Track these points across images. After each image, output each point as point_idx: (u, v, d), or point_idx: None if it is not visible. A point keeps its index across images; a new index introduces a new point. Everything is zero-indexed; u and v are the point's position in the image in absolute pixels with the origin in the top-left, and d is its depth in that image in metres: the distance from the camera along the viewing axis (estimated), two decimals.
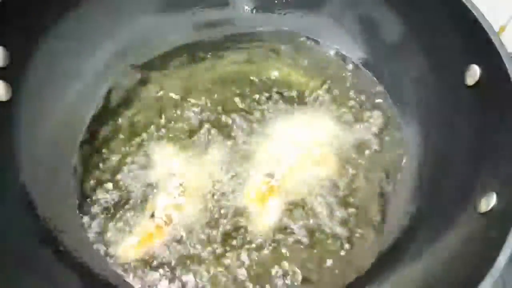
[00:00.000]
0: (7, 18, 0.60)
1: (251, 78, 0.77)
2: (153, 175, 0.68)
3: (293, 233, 0.64)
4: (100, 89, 0.74)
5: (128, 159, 0.69)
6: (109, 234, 0.64)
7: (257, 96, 0.74)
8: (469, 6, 0.60)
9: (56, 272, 0.58)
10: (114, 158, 0.69)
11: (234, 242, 0.63)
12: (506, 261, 0.46)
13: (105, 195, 0.66)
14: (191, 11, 0.81)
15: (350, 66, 0.79)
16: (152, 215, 0.64)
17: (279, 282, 0.61)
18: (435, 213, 0.61)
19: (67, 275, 0.59)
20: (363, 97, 0.75)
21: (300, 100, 0.75)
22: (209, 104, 0.74)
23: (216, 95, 0.75)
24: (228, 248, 0.63)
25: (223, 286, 0.61)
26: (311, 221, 0.64)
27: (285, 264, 0.62)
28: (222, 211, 0.65)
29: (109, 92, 0.75)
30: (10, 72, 0.61)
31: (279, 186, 0.66)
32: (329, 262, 0.62)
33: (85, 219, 0.65)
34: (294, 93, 0.75)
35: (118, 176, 0.67)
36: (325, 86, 0.76)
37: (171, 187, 0.66)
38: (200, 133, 0.71)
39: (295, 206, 0.65)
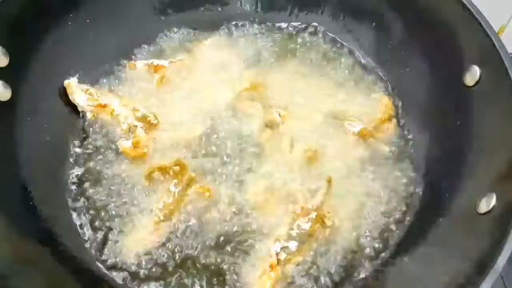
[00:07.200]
0: (7, 18, 0.60)
1: None
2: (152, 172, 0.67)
3: None
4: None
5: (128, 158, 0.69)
6: (107, 235, 0.63)
7: None
8: (469, 6, 0.60)
9: (55, 272, 0.58)
10: (114, 157, 0.69)
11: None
12: (506, 261, 0.46)
13: (104, 194, 0.66)
14: (191, 11, 0.81)
15: (349, 66, 0.79)
16: (151, 214, 0.64)
17: None
18: (435, 213, 0.61)
19: (66, 275, 0.59)
20: (362, 97, 0.75)
21: None
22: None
23: None
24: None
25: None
26: None
27: None
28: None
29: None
30: (10, 72, 0.61)
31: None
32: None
33: (84, 219, 0.65)
34: None
35: (118, 175, 0.67)
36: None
37: (171, 186, 0.66)
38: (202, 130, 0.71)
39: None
